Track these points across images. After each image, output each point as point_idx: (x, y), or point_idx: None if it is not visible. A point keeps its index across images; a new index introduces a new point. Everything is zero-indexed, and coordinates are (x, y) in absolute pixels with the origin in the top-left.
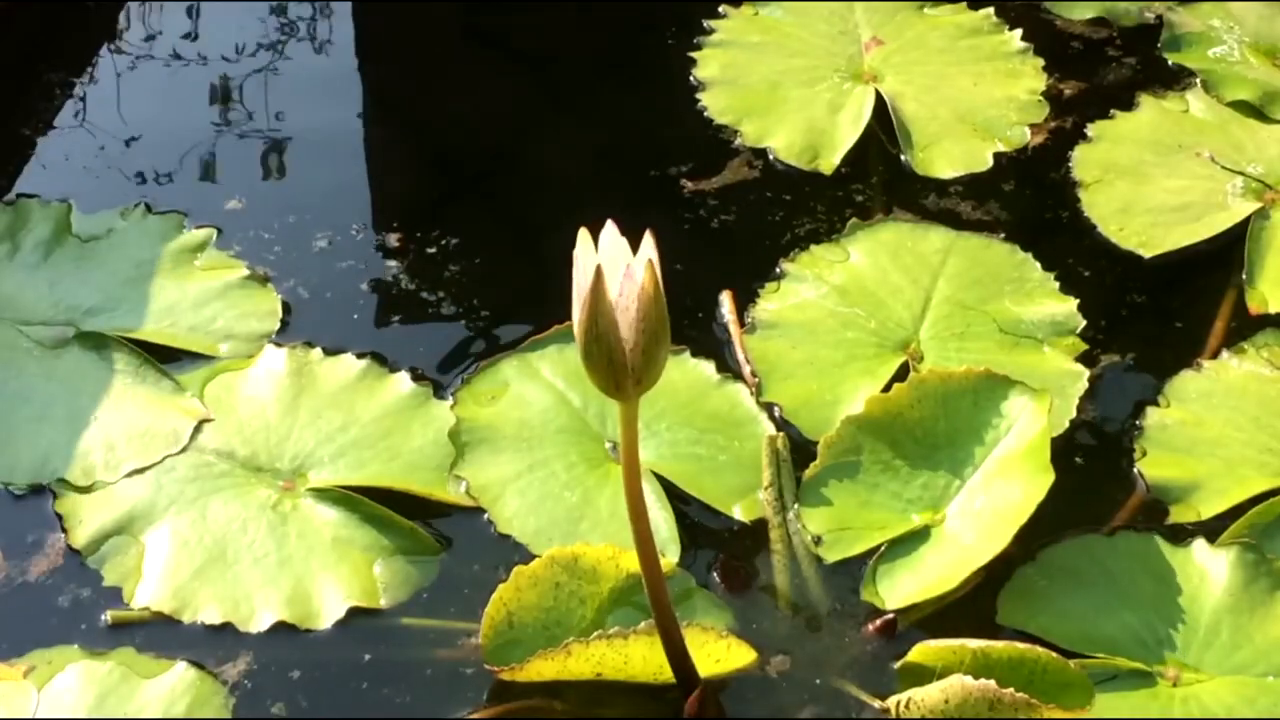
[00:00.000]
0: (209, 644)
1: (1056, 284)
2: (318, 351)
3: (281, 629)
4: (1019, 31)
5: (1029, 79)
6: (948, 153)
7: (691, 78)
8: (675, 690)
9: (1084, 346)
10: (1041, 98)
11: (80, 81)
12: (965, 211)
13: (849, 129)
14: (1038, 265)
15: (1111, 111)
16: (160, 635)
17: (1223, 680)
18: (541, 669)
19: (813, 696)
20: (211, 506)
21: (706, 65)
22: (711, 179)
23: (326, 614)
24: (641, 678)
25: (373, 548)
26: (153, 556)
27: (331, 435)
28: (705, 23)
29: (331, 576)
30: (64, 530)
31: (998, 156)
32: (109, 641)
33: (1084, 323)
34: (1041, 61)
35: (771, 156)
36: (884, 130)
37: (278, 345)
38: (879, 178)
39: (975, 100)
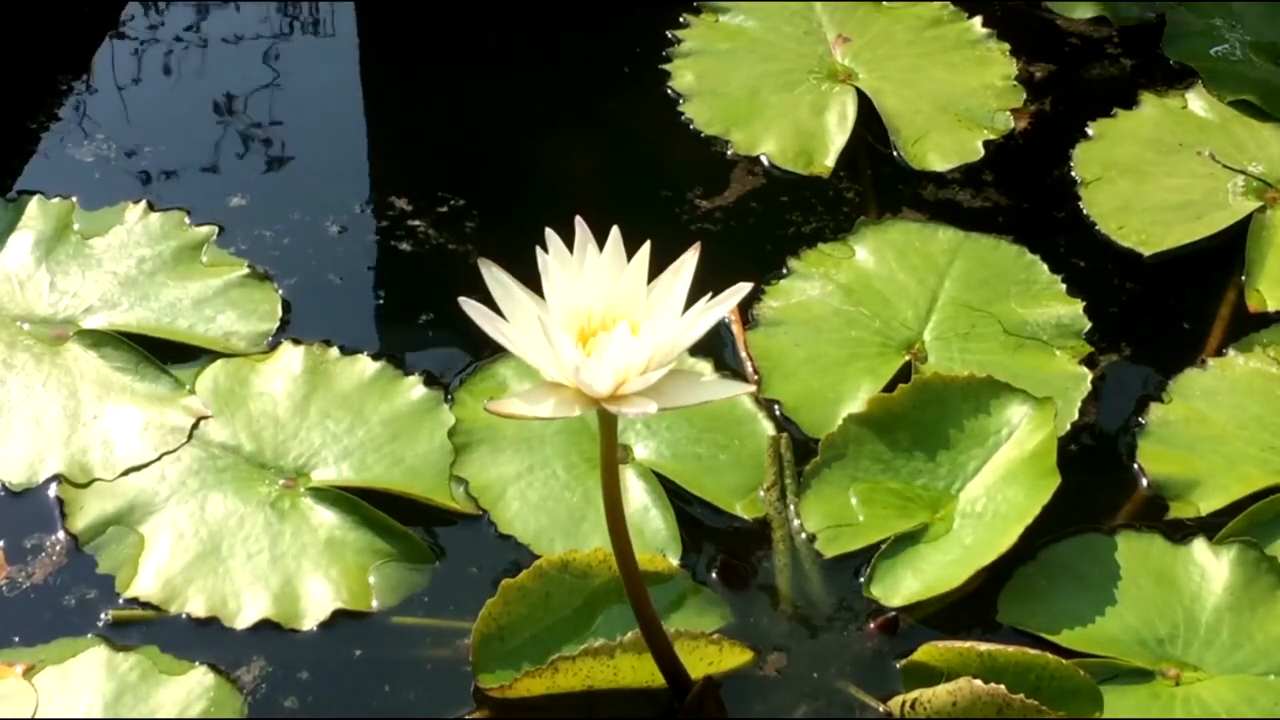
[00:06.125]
0: (209, 642)
1: (1063, 286)
2: (334, 350)
3: (269, 628)
4: (979, 18)
5: (1000, 65)
6: (939, 145)
7: (668, 89)
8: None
9: (1089, 349)
10: (1016, 82)
11: (82, 78)
12: (964, 203)
13: (837, 130)
14: (1045, 267)
15: (1113, 109)
16: (164, 633)
17: (1224, 679)
18: (530, 686)
19: (812, 694)
20: (211, 500)
21: (681, 76)
22: (721, 192)
23: (312, 614)
24: (634, 686)
25: (366, 551)
26: (148, 547)
27: (339, 436)
28: (670, 33)
29: (321, 577)
30: (64, 515)
31: (987, 145)
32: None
33: (1089, 325)
34: (1008, 46)
35: (766, 163)
36: (870, 127)
37: (296, 342)
38: (875, 176)
39: (953, 90)
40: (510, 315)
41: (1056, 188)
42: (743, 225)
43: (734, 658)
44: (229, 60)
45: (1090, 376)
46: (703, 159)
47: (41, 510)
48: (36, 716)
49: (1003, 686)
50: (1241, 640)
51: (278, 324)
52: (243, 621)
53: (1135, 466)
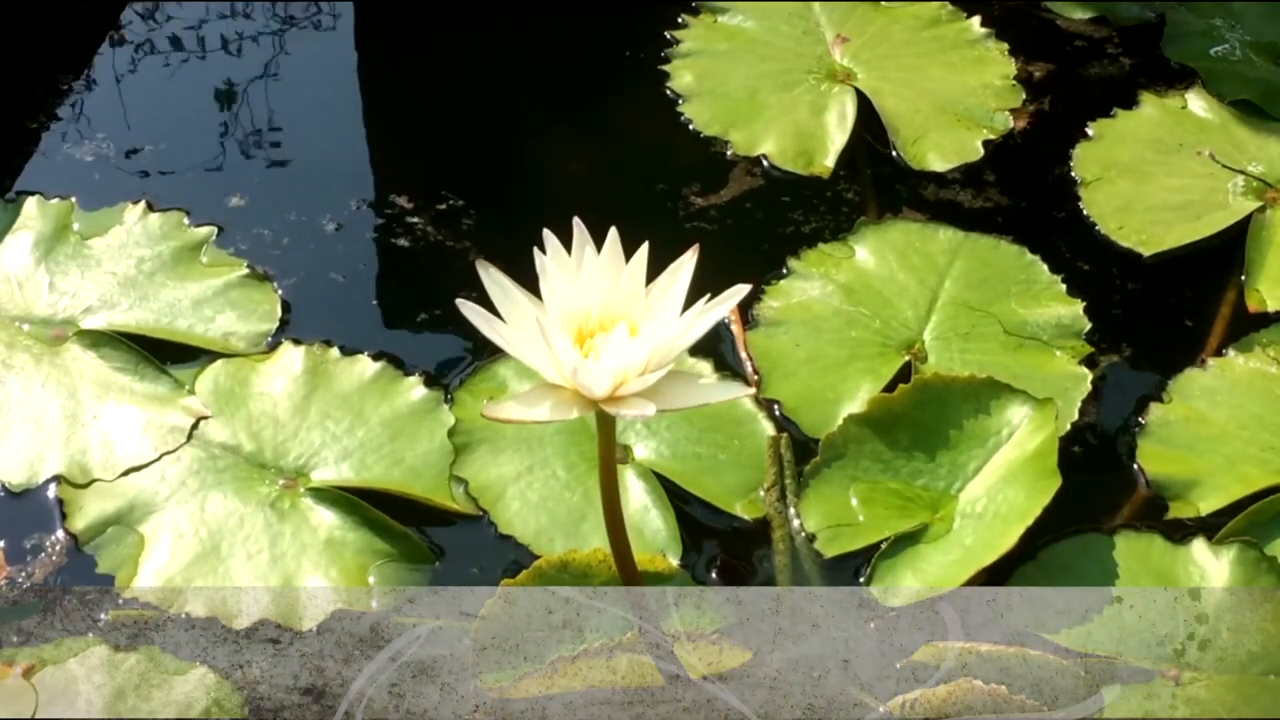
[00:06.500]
0: (209, 642)
1: (1063, 286)
2: (334, 350)
3: (269, 628)
4: (978, 18)
5: (999, 64)
6: (938, 145)
7: (667, 89)
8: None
9: (1089, 349)
10: (1015, 82)
11: (82, 78)
12: (965, 203)
13: (837, 130)
14: (1045, 267)
15: (1113, 109)
16: (164, 633)
17: (1224, 679)
18: (530, 687)
19: (812, 694)
20: (211, 500)
21: (680, 76)
22: (720, 192)
23: (312, 615)
24: (634, 686)
25: (366, 551)
26: (148, 547)
27: (339, 436)
28: (668, 34)
29: (321, 577)
30: (64, 515)
31: (987, 145)
32: (110, 638)
33: (1089, 325)
34: (1007, 46)
35: (766, 163)
36: (869, 127)
37: (296, 342)
38: (875, 176)
39: (952, 90)
40: (508, 316)
41: (1056, 188)
42: (742, 225)
43: (734, 658)
44: (228, 59)
45: (1090, 377)
46: (702, 159)
47: (41, 510)
48: (36, 716)
49: (1003, 687)
50: (1242, 640)
51: (277, 324)
52: (243, 621)
53: (1135, 466)
